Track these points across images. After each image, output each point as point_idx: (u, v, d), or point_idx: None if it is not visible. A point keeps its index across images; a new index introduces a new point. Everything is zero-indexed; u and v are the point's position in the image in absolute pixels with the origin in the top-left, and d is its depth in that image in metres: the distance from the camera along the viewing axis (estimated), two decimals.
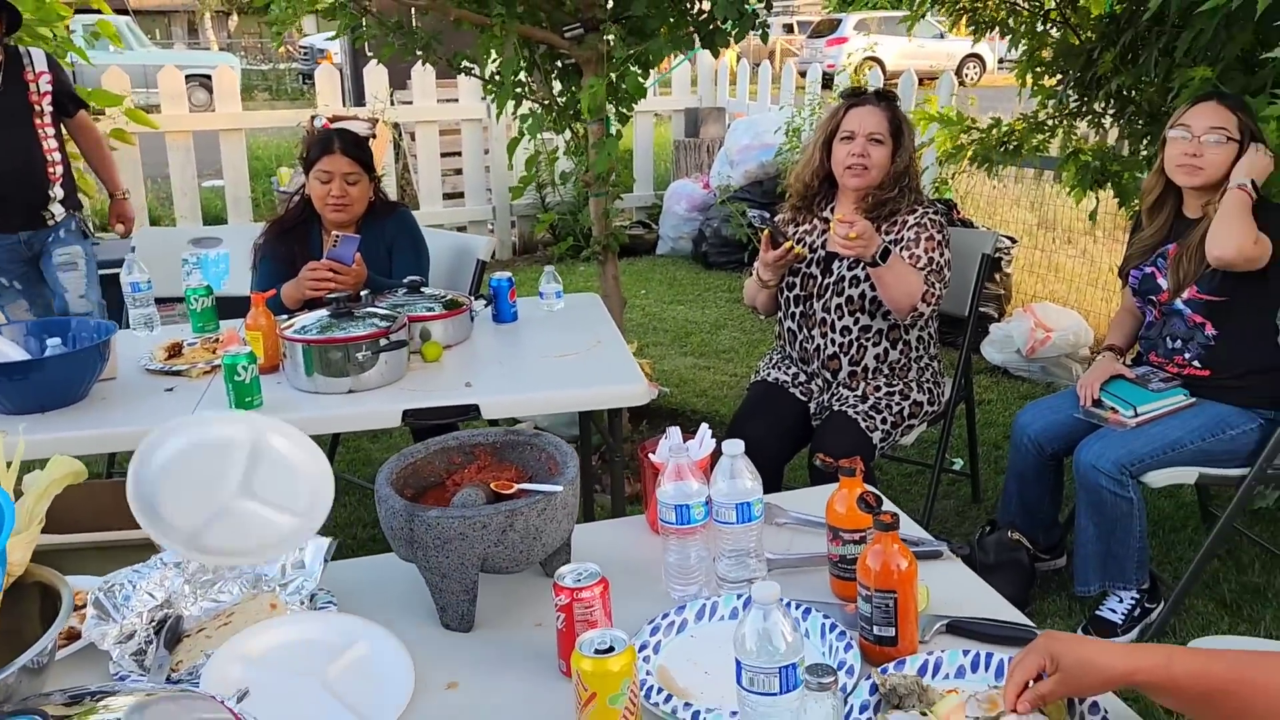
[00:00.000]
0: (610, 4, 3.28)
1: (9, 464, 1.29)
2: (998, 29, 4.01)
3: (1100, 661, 1.04)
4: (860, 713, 1.12)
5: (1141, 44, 3.19)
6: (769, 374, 2.79)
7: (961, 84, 17.28)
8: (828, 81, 7.01)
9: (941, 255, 2.58)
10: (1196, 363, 2.49)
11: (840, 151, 2.59)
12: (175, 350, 2.55)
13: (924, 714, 1.10)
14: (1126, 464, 2.39)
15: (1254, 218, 2.29)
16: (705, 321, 5.15)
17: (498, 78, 3.37)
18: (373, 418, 2.25)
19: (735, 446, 1.39)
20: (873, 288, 2.57)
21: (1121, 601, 2.52)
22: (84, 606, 1.34)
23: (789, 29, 21.63)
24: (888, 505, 1.40)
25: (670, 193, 6.60)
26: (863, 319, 2.62)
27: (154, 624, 1.33)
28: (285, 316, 2.50)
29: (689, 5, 3.25)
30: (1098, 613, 2.54)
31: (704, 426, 1.59)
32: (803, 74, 6.71)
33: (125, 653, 1.28)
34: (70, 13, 4.81)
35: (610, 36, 3.22)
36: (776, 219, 2.75)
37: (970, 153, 3.93)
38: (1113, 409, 2.49)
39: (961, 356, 2.93)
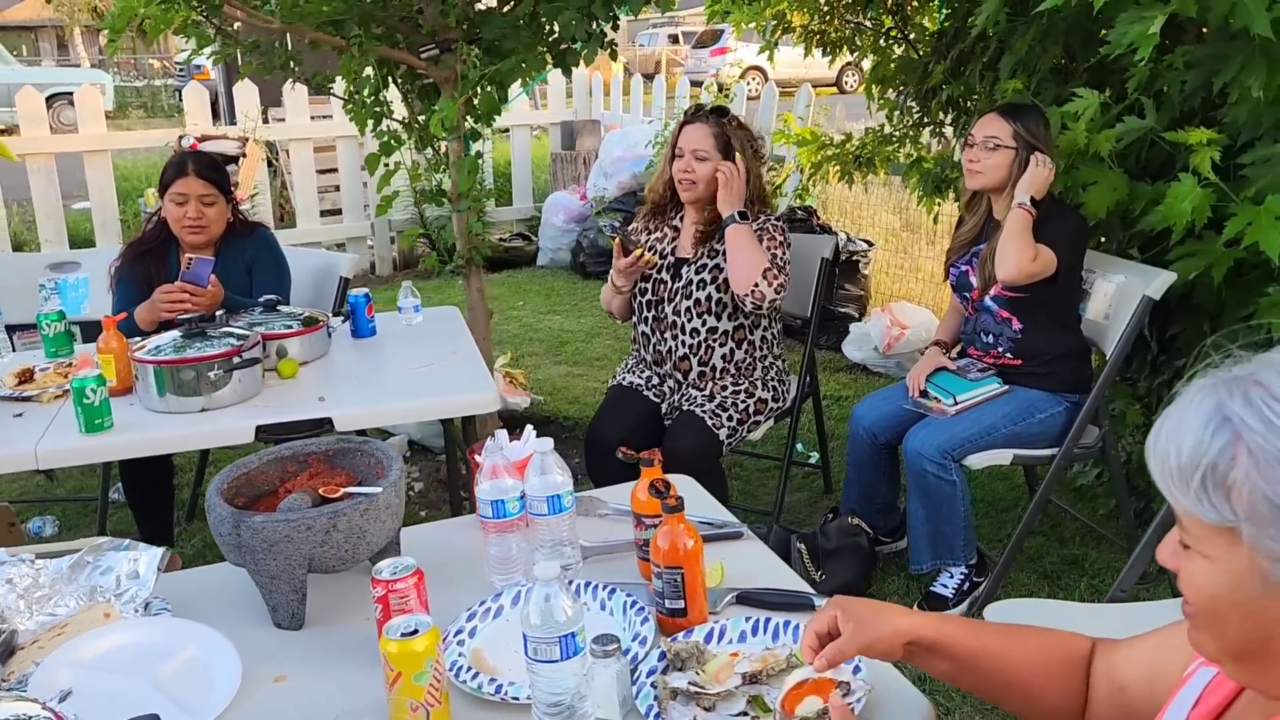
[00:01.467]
0: (465, 25, 3.38)
1: None
2: (845, 47, 4.26)
3: (887, 614, 1.13)
4: (647, 677, 1.25)
5: (968, 58, 3.44)
6: (624, 378, 2.93)
7: (843, 91, 17.87)
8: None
9: (783, 253, 2.75)
10: (1009, 354, 2.71)
11: (674, 166, 2.75)
12: (27, 376, 2.55)
13: (699, 673, 1.23)
14: (948, 449, 2.59)
15: (1044, 222, 2.52)
16: (580, 330, 5.28)
17: (356, 97, 3.44)
18: (226, 434, 2.30)
19: (545, 444, 1.51)
20: (719, 289, 2.73)
21: (952, 577, 2.72)
22: None
23: (674, 39, 21.96)
24: (701, 491, 1.54)
25: (548, 205, 6.72)
26: (710, 320, 2.78)
27: None
28: (140, 339, 2.53)
29: (542, 26, 3.37)
30: (931, 589, 2.74)
31: (529, 428, 1.70)
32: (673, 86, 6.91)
33: None
34: None
35: (466, 57, 3.32)
36: (630, 227, 2.90)
37: (832, 167, 4.16)
38: (936, 399, 2.70)
39: (805, 354, 3.12)
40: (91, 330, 2.91)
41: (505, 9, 3.41)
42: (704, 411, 2.73)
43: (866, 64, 4.23)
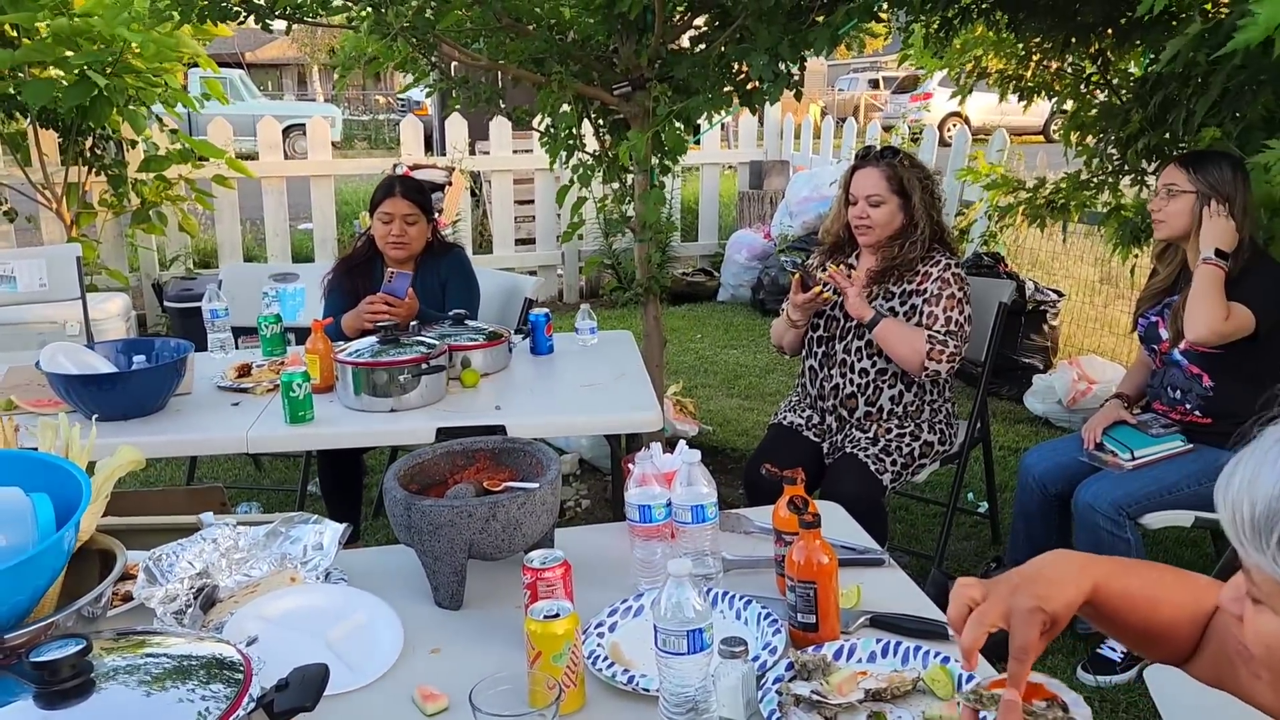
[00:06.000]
0: (657, 64, 3.53)
1: (83, 449, 1.55)
2: (1043, 93, 4.15)
3: (1061, 565, 1.02)
4: (773, 683, 1.28)
5: (1172, 104, 3.30)
6: (785, 417, 2.96)
7: (1049, 140, 17.18)
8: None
9: (961, 313, 2.70)
10: (1198, 412, 2.57)
11: (849, 213, 2.77)
12: (245, 370, 2.84)
13: (823, 683, 1.26)
14: (1124, 505, 2.48)
15: (1241, 277, 2.39)
16: (756, 365, 5.32)
17: (552, 130, 3.65)
18: (410, 434, 2.49)
19: (692, 455, 1.57)
20: None
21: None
22: (136, 575, 1.58)
23: (874, 84, 21.78)
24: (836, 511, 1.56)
25: (732, 241, 6.82)
26: (879, 362, 2.77)
27: (193, 590, 1.56)
28: (343, 343, 2.77)
29: (730, 66, 3.48)
30: (1098, 650, 2.61)
31: (682, 443, 1.77)
32: (886, 129, 6.88)
33: (168, 611, 1.52)
34: (181, 66, 5.29)
35: (656, 94, 3.47)
36: (808, 264, 2.94)
37: (1021, 211, 4.05)
38: (1113, 453, 2.59)
39: (978, 399, 3.05)
40: (305, 335, 3.20)
41: (696, 49, 3.54)
42: (867, 456, 2.71)
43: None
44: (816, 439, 2.87)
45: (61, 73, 4.75)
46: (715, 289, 6.88)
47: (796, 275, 2.76)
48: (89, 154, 5.48)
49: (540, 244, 7.00)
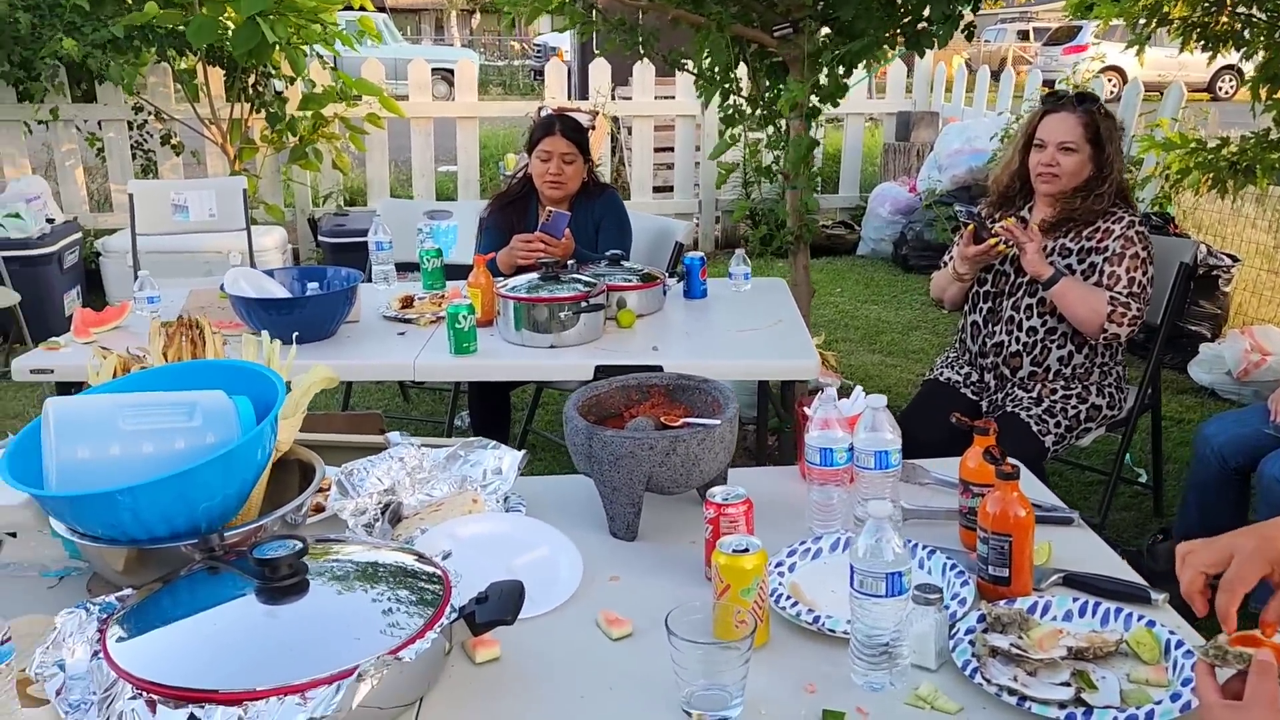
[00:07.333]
0: (820, 5, 3.43)
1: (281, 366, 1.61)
2: (1231, 43, 3.86)
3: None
4: (965, 634, 1.25)
5: None
6: (941, 373, 2.87)
7: (1215, 97, 16.12)
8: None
9: (1145, 274, 2.57)
10: None
11: (1033, 159, 2.64)
12: (408, 302, 2.92)
13: (1022, 637, 1.22)
14: None
15: None
16: (898, 322, 5.19)
17: (709, 73, 3.60)
18: (569, 370, 2.52)
19: (878, 400, 1.54)
20: None
21: None
22: (329, 488, 1.65)
23: (1024, 35, 20.79)
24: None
25: (875, 195, 6.64)
26: (1050, 321, 2.65)
27: (380, 505, 1.62)
28: (500, 279, 2.81)
29: (897, 7, 3.35)
30: None
31: (858, 388, 1.73)
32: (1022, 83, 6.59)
33: (359, 523, 1.58)
34: (338, 4, 5.42)
35: (817, 36, 3.38)
36: (979, 213, 2.81)
37: (1203, 175, 3.81)
38: None
39: (1150, 364, 2.90)
40: (454, 272, 3.27)
41: None
42: (1030, 416, 2.61)
43: (1249, 66, 3.82)
44: (974, 396, 2.78)
45: (231, 11, 4.91)
46: (855, 243, 6.73)
47: (970, 226, 2.65)
48: (251, 91, 5.69)
49: (678, 192, 6.96)
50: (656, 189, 6.99)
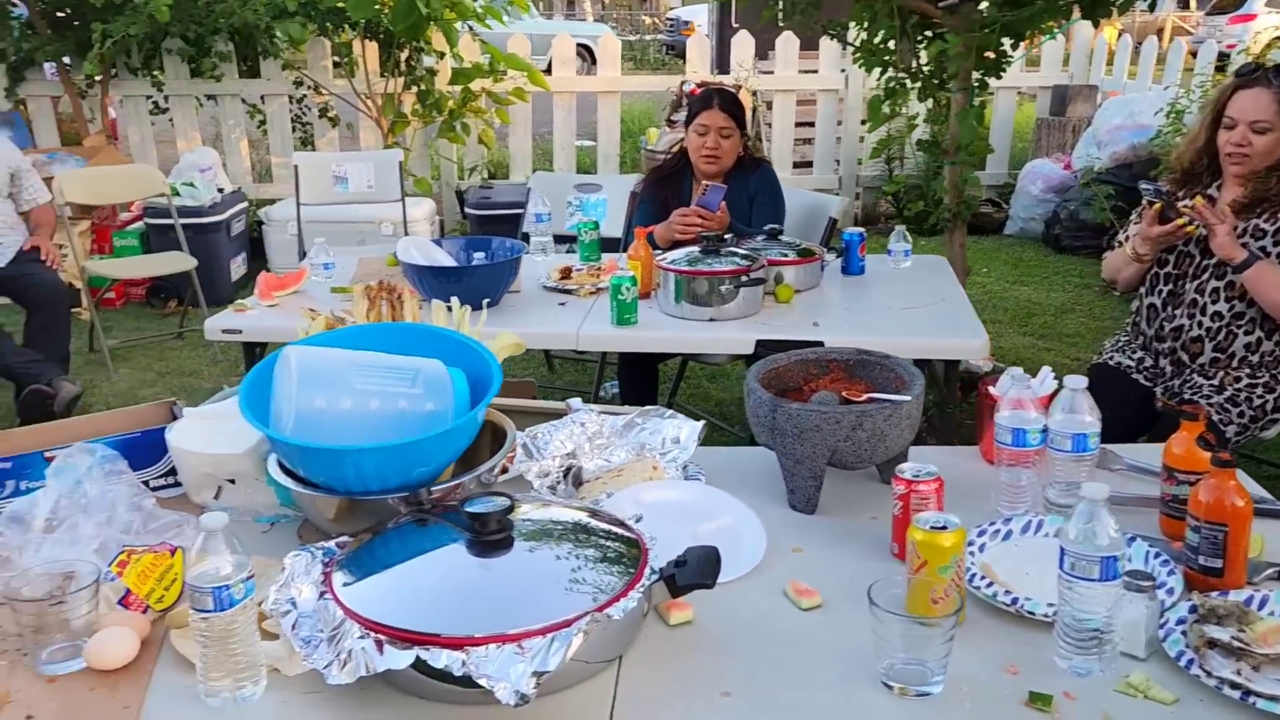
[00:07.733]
0: None
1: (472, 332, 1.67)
2: None
3: None
4: (1176, 624, 1.21)
5: None
6: (1111, 357, 2.75)
7: None
8: (1223, 63, 6.43)
9: None
10: None
11: (1221, 137, 2.49)
12: (566, 273, 2.97)
13: (1244, 630, 1.17)
14: None
15: None
16: (1050, 304, 5.01)
17: (868, 44, 3.53)
18: (730, 344, 2.52)
19: (1078, 381, 1.49)
20: None
21: None
22: (514, 450, 1.70)
23: (1184, 4, 19.62)
24: None
25: (1026, 172, 6.39)
26: (1238, 305, 2.51)
27: (563, 468, 1.66)
28: (659, 252, 2.83)
29: None
30: None
31: (1045, 369, 1.69)
32: (1193, 53, 6.22)
33: (543, 485, 1.63)
34: None
35: (985, 4, 3.27)
36: (1167, 191, 2.67)
37: None
38: None
39: None
40: (606, 245, 3.30)
41: None
42: (1210, 404, 2.49)
43: None
44: (1147, 383, 2.66)
45: None
46: (1003, 221, 6.51)
47: (1157, 205, 2.51)
48: (404, 66, 5.86)
49: (817, 167, 6.86)
50: (795, 165, 6.90)
